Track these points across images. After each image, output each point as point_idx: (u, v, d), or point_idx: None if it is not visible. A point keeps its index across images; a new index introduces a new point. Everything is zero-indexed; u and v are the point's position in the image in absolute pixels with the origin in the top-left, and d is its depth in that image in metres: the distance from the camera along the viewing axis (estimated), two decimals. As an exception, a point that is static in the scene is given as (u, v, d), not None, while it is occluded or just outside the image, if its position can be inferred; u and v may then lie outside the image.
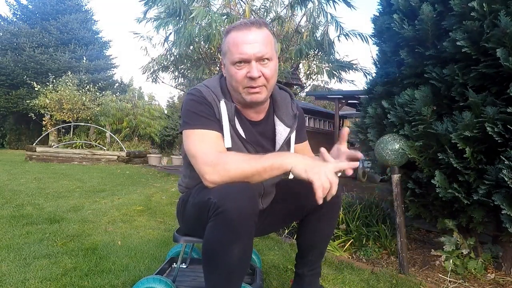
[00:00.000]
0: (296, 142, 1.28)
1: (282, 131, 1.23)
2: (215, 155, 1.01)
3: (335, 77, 5.95)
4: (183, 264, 1.63)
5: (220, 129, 1.11)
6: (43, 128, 10.57)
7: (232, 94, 1.15)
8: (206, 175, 1.00)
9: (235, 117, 1.14)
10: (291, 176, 1.24)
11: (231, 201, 0.92)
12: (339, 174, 1.16)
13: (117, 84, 18.98)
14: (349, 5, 5.11)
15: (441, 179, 1.74)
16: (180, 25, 4.93)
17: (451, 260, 1.88)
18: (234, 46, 1.06)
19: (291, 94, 1.29)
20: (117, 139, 9.77)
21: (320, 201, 0.90)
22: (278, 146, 1.22)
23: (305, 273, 1.34)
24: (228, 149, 1.09)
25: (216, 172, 0.98)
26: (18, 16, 17.16)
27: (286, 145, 1.24)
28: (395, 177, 1.87)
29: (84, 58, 16.05)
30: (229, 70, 1.10)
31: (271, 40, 1.10)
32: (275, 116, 1.25)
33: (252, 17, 5.69)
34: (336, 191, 0.91)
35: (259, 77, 1.06)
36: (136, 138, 11.58)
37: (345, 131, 1.13)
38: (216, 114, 1.11)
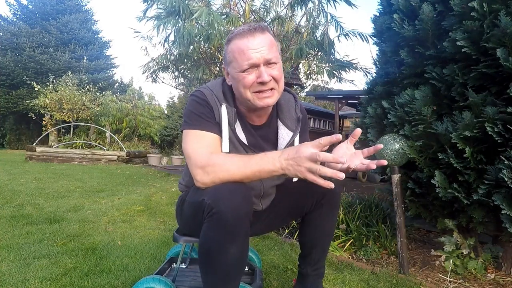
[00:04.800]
0: None
1: (285, 135, 1.21)
2: (208, 157, 1.01)
3: (335, 77, 5.94)
4: (183, 264, 1.63)
5: (219, 132, 1.10)
6: (43, 128, 10.57)
7: (239, 100, 1.14)
8: (198, 176, 1.00)
9: (237, 121, 1.13)
10: (295, 179, 1.23)
11: (224, 202, 0.92)
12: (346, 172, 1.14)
13: (117, 84, 19.02)
14: (349, 3, 5.09)
15: (441, 179, 1.74)
16: (180, 24, 4.92)
17: (451, 260, 1.88)
18: (240, 54, 1.04)
19: (295, 95, 1.27)
20: (117, 139, 9.77)
21: (327, 185, 0.86)
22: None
23: (308, 273, 1.33)
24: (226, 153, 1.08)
25: (207, 174, 0.98)
26: (18, 16, 17.17)
27: None
28: (395, 177, 1.87)
29: (84, 58, 16.06)
30: (236, 77, 1.08)
31: (275, 43, 1.09)
32: (278, 120, 1.23)
33: (252, 17, 5.69)
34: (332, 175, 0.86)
35: (270, 80, 1.05)
36: (136, 138, 11.60)
37: (359, 131, 1.04)
38: (216, 118, 1.11)
